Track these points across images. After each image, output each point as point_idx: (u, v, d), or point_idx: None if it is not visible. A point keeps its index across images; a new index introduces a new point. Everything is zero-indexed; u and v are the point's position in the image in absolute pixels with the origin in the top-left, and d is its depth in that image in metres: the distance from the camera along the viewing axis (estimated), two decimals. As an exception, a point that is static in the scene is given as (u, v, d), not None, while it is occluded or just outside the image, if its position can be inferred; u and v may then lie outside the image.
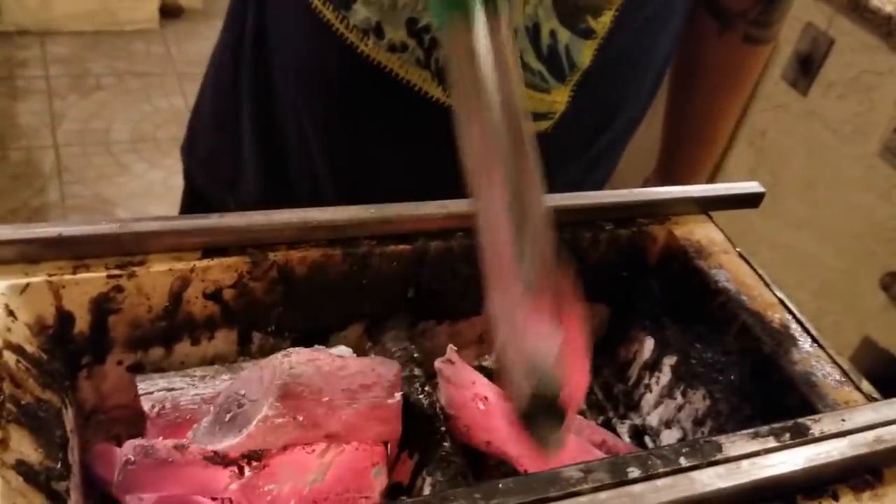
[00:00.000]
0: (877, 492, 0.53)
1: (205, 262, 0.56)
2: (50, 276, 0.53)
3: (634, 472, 0.48)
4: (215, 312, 0.58)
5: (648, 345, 0.70)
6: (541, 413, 0.52)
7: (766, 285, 0.66)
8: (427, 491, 0.54)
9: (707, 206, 0.72)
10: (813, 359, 0.61)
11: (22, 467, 0.45)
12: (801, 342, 0.62)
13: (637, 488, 0.47)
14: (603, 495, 0.46)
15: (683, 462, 0.49)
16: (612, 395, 0.72)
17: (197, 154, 0.98)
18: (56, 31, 2.94)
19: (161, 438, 0.54)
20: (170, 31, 3.11)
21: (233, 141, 0.91)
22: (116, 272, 0.54)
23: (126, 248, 0.55)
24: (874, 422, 0.54)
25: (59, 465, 0.48)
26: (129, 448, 0.50)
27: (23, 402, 0.48)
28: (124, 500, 0.53)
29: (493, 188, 0.49)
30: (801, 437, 0.52)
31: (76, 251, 0.54)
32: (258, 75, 0.85)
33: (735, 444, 0.51)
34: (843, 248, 1.75)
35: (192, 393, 0.56)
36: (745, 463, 0.50)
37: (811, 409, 0.58)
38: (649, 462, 0.49)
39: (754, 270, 0.67)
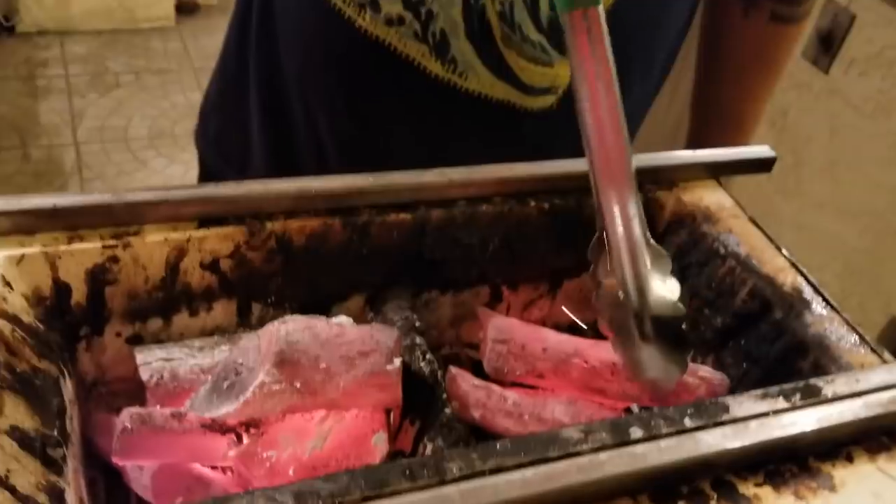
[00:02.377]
0: (893, 454, 0.51)
1: (201, 232, 0.56)
2: (45, 247, 0.53)
3: (637, 433, 0.47)
4: (213, 283, 0.57)
5: (657, 313, 0.68)
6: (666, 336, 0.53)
7: (777, 249, 0.65)
8: (429, 458, 0.53)
9: (716, 171, 0.70)
10: (826, 322, 0.59)
11: (16, 433, 0.44)
12: (813, 305, 0.60)
13: (639, 449, 0.46)
14: (603, 456, 0.45)
15: (688, 423, 0.48)
16: (623, 366, 0.70)
17: (207, 135, 0.98)
18: (75, 31, 2.97)
19: (159, 407, 0.54)
20: (186, 28, 3.13)
21: (240, 120, 0.91)
22: (111, 242, 0.54)
23: (121, 219, 0.54)
24: (889, 383, 0.53)
25: (55, 433, 0.47)
26: (126, 416, 0.50)
27: (18, 370, 0.47)
28: (124, 469, 0.53)
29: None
30: (813, 397, 0.51)
31: (71, 222, 0.54)
32: (263, 52, 0.85)
33: (743, 404, 0.50)
34: (866, 228, 1.72)
35: (191, 363, 0.56)
36: (753, 423, 0.49)
37: (824, 372, 0.56)
38: (652, 423, 0.47)
39: (765, 234, 0.66)
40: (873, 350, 0.58)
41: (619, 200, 0.55)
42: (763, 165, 0.71)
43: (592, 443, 0.46)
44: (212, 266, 0.57)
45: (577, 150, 0.84)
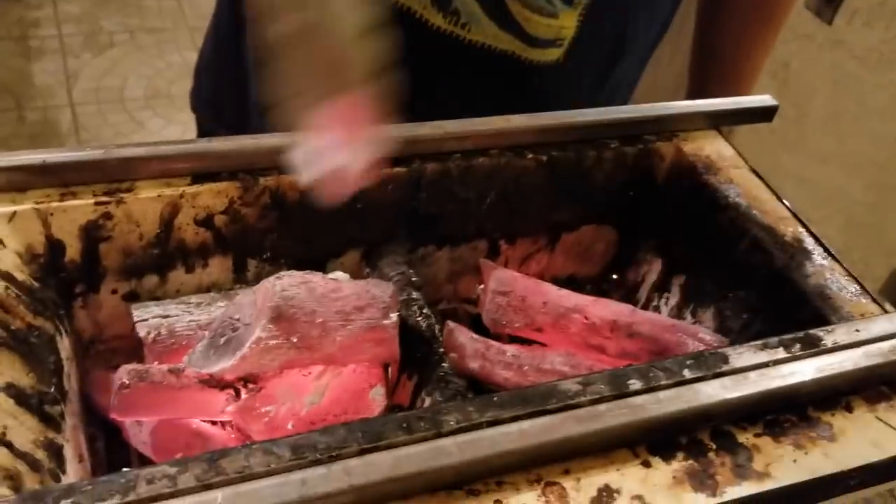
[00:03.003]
0: (892, 403, 0.51)
1: (194, 188, 0.55)
2: (37, 203, 0.52)
3: (636, 385, 0.47)
4: (208, 239, 0.57)
5: (656, 266, 0.68)
6: None
7: (779, 199, 0.64)
8: (427, 412, 0.53)
9: (717, 120, 0.69)
10: (827, 272, 0.59)
11: (12, 390, 0.44)
12: (814, 255, 0.60)
13: (638, 400, 0.46)
14: (602, 407, 0.45)
15: (687, 374, 0.48)
16: (622, 319, 0.70)
17: (202, 96, 0.97)
18: (68, -10, 2.92)
19: (159, 362, 0.54)
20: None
21: (236, 80, 0.89)
22: (104, 199, 0.53)
23: (113, 175, 0.54)
24: (890, 332, 0.52)
25: (52, 390, 0.47)
26: (123, 372, 0.50)
27: (13, 328, 0.47)
28: (123, 425, 0.53)
29: None
30: (813, 347, 0.51)
31: (63, 179, 0.53)
32: None
33: (742, 355, 0.49)
34: (870, 181, 1.71)
35: (188, 319, 0.55)
36: (752, 374, 0.48)
37: (825, 322, 0.56)
38: (651, 374, 0.47)
39: (766, 185, 0.65)
40: (874, 300, 0.58)
41: None
42: (764, 114, 0.70)
43: (591, 394, 0.46)
44: (206, 222, 0.56)
45: (583, 104, 0.83)
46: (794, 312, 0.58)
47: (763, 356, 0.49)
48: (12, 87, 2.55)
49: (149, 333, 0.54)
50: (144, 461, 0.53)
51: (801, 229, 0.62)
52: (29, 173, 0.52)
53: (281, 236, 0.58)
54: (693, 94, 0.97)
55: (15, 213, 0.51)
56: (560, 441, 0.43)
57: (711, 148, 0.67)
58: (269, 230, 0.58)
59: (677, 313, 0.66)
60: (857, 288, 0.58)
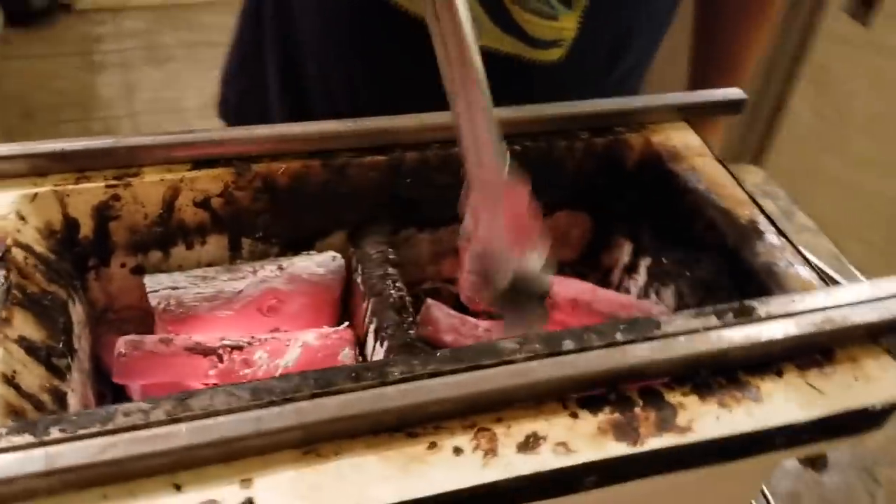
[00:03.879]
0: (824, 370, 0.54)
1: (193, 173, 0.62)
2: (56, 186, 0.59)
3: (569, 345, 0.51)
4: (205, 219, 0.63)
5: (627, 249, 0.72)
6: (521, 297, 0.56)
7: (739, 185, 0.68)
8: (393, 373, 0.58)
9: (686, 112, 0.74)
10: (777, 251, 0.62)
11: (24, 342, 0.51)
12: (766, 236, 0.63)
13: (569, 358, 0.51)
14: (534, 363, 0.50)
15: (619, 337, 0.52)
16: (597, 300, 0.75)
17: (228, 103, 1.04)
18: (129, 7, 3.08)
19: (169, 329, 0.61)
20: (237, 2, 3.20)
21: (259, 86, 0.97)
22: (114, 182, 0.60)
23: (122, 161, 0.61)
24: (825, 305, 0.56)
25: (60, 346, 0.54)
26: (121, 343, 0.57)
27: (28, 291, 0.54)
28: (127, 387, 0.60)
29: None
30: (745, 316, 0.55)
31: (78, 164, 0.60)
32: (278, 15, 0.90)
33: (675, 322, 0.54)
34: (911, 184, 1.70)
35: (195, 291, 0.62)
36: (682, 338, 0.53)
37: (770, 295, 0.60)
38: (584, 336, 0.52)
39: (728, 171, 0.69)
40: (821, 277, 0.61)
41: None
42: (732, 107, 0.74)
43: (526, 352, 0.51)
44: (203, 204, 0.63)
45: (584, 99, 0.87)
46: (743, 289, 0.62)
47: (695, 323, 0.54)
48: (77, 99, 2.70)
49: (160, 303, 0.61)
50: (146, 415, 0.60)
51: (757, 212, 0.66)
52: (49, 159, 0.60)
53: (272, 218, 0.65)
54: (694, 82, 1.01)
55: (36, 194, 0.59)
56: (493, 391, 0.49)
57: (679, 139, 0.72)
58: (261, 212, 0.64)
59: (644, 293, 0.70)
60: (807, 268, 0.62)
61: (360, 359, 0.61)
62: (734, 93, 0.74)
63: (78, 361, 0.57)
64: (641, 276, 0.71)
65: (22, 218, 0.58)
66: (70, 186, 0.59)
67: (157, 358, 0.57)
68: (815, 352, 0.55)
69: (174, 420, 0.45)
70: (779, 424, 0.51)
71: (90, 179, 0.60)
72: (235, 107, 1.04)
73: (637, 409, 0.51)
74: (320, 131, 0.64)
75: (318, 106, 0.91)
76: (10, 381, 0.49)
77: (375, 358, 0.62)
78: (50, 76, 2.75)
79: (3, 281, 0.52)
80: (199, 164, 0.62)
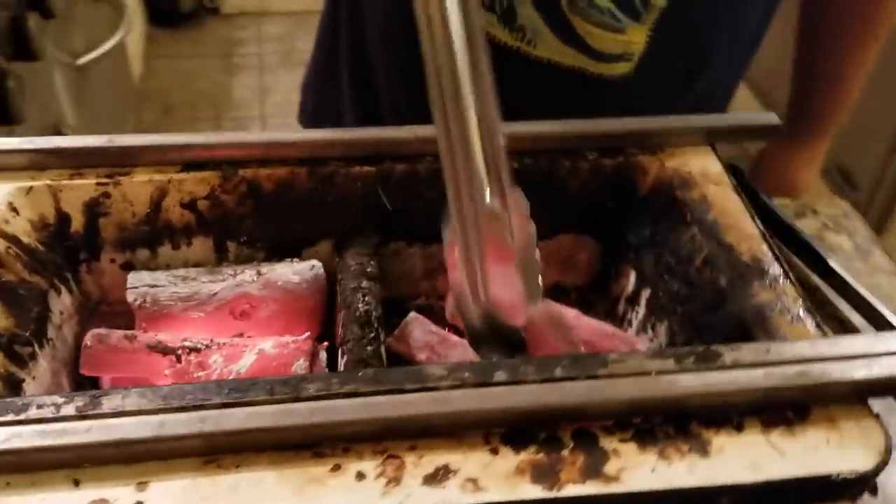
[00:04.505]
0: (792, 429, 0.49)
1: (181, 175, 0.63)
2: (51, 181, 0.62)
3: (501, 377, 0.49)
4: (191, 221, 0.65)
5: (632, 278, 0.68)
6: (492, 341, 0.55)
7: (753, 218, 0.63)
8: (344, 389, 0.57)
9: (713, 136, 0.69)
10: (773, 294, 0.57)
11: (-15, 329, 0.54)
12: (767, 276, 0.58)
13: (497, 390, 0.48)
14: (458, 392, 0.48)
15: (559, 373, 0.49)
16: (602, 331, 0.71)
17: (306, 109, 1.07)
18: (271, 12, 3.21)
19: (144, 325, 0.62)
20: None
21: (334, 94, 0.98)
22: (105, 180, 0.63)
23: (115, 160, 0.63)
24: (805, 356, 0.50)
25: (27, 334, 0.57)
26: (88, 336, 0.59)
27: (2, 280, 0.57)
28: (100, 378, 0.62)
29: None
30: (708, 362, 0.50)
31: (74, 161, 0.63)
32: (351, 26, 0.91)
33: (626, 362, 0.50)
34: None
35: (171, 291, 0.63)
36: (628, 380, 0.49)
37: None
38: (521, 368, 0.49)
39: (745, 204, 0.64)
40: (819, 326, 0.55)
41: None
42: (765, 132, 0.69)
43: (453, 380, 0.48)
44: (190, 205, 0.64)
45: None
46: (730, 332, 0.57)
47: (649, 365, 0.50)
48: (213, 99, 2.84)
49: (136, 300, 0.63)
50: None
51: (765, 249, 0.60)
52: (47, 155, 0.63)
53: (257, 222, 0.65)
54: (793, 101, 0.94)
55: (31, 187, 0.62)
56: (408, 417, 0.47)
57: (697, 164, 0.67)
58: (246, 216, 0.65)
59: (643, 327, 0.66)
60: (803, 312, 0.56)
61: (325, 369, 0.60)
62: (767, 118, 0.69)
63: (51, 350, 0.60)
64: (642, 309, 0.66)
65: (14, 210, 0.61)
66: (64, 182, 0.62)
67: (120, 353, 0.58)
68: (785, 408, 0.50)
69: (83, 417, 0.46)
70: (720, 484, 0.46)
71: (84, 176, 0.63)
72: (311, 113, 1.06)
73: (564, 452, 0.47)
74: (310, 139, 0.64)
75: (387, 115, 0.91)
76: (-41, 365, 0.51)
77: (340, 368, 0.61)
78: (191, 76, 2.91)
79: (-25, 268, 0.55)
80: (189, 166, 0.64)
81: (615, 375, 0.49)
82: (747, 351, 0.51)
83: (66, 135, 1.39)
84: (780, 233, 0.73)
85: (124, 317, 0.67)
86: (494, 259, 0.54)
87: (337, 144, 0.64)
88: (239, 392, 0.47)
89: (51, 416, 0.46)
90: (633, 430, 0.48)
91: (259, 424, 0.46)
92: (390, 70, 0.88)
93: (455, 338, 0.64)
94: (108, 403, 0.46)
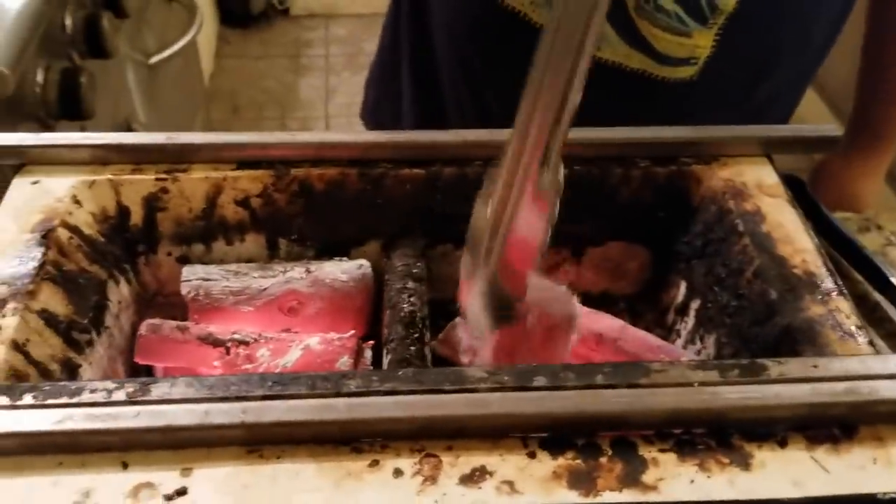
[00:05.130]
0: (838, 447, 0.48)
1: (236, 173, 0.65)
2: (112, 175, 0.64)
3: (540, 381, 0.49)
4: (245, 217, 0.66)
5: (682, 288, 0.67)
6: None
7: (808, 232, 0.61)
8: (387, 387, 0.58)
9: (770, 147, 0.68)
10: (827, 308, 0.56)
11: (45, 314, 0.56)
12: (820, 290, 0.57)
13: (536, 395, 0.48)
14: (497, 395, 0.48)
15: (600, 380, 0.49)
16: (650, 341, 0.70)
17: (368, 106, 1.08)
18: (339, 14, 3.26)
19: (196, 317, 0.64)
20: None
21: (394, 91, 1.00)
22: (163, 176, 0.64)
23: (173, 157, 0.65)
24: (854, 373, 0.49)
25: (85, 322, 0.59)
26: (143, 325, 0.61)
27: (65, 268, 0.59)
28: (154, 367, 0.64)
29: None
30: (753, 376, 0.49)
31: (135, 157, 0.65)
32: (413, 24, 0.92)
33: (668, 371, 0.49)
34: None
35: (223, 285, 0.65)
36: (670, 390, 0.48)
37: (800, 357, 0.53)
38: (561, 374, 0.49)
39: (801, 218, 0.62)
40: (871, 343, 0.54)
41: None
42: (823, 144, 0.67)
43: (492, 383, 0.49)
44: (244, 203, 0.66)
45: (723, 122, 0.82)
46: (779, 346, 0.56)
47: (692, 376, 0.49)
48: (280, 99, 2.89)
49: (189, 293, 0.65)
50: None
51: (819, 263, 0.59)
52: (109, 150, 0.65)
53: (307, 221, 0.66)
54: (857, 108, 0.92)
55: (94, 181, 0.64)
56: (445, 418, 0.47)
57: (752, 175, 0.66)
58: (297, 215, 0.66)
59: (691, 338, 0.65)
60: (855, 328, 0.55)
61: (370, 367, 0.61)
62: (827, 129, 0.67)
63: (108, 338, 0.62)
64: (691, 319, 0.66)
65: (77, 202, 0.63)
66: (125, 177, 0.64)
67: (172, 343, 0.60)
68: (832, 424, 0.49)
69: (132, 402, 0.47)
70: (761, 499, 0.45)
71: (143, 172, 0.65)
72: (372, 111, 1.07)
73: (603, 459, 0.47)
74: (360, 141, 0.65)
75: (451, 113, 0.92)
76: (20, 348, 0.53)
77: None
78: (259, 75, 2.97)
79: (39, 258, 0.57)
80: (243, 164, 0.65)
81: (657, 385, 0.49)
82: (794, 365, 0.50)
83: (135, 131, 1.44)
84: (841, 247, 0.72)
85: (180, 308, 0.69)
86: (521, 236, 0.53)
87: (387, 146, 0.65)
88: (281, 385, 0.48)
89: (102, 400, 0.47)
90: (673, 441, 0.48)
91: (299, 417, 0.47)
92: (454, 68, 0.89)
93: (499, 342, 0.65)
94: (157, 391, 0.48)
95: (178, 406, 0.47)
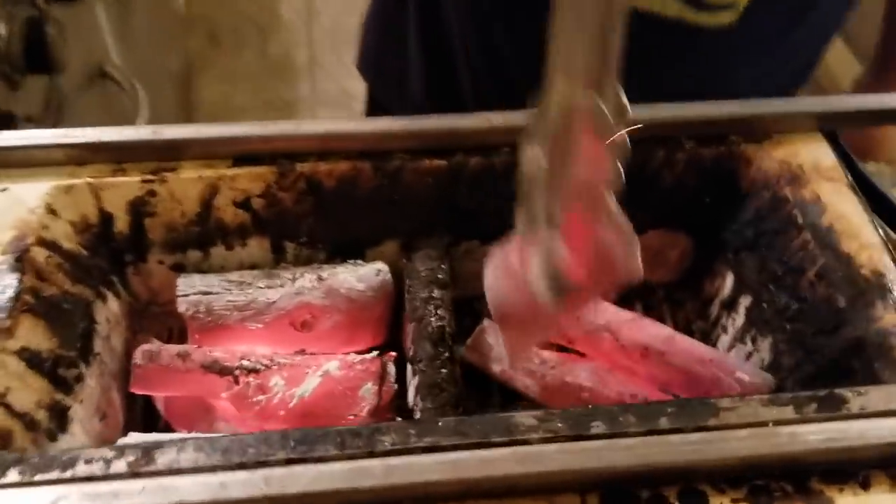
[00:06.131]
0: (930, 485, 0.43)
1: (233, 171, 0.57)
2: (91, 178, 0.57)
3: (599, 427, 0.43)
4: (246, 220, 0.59)
5: (729, 281, 0.62)
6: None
7: (873, 222, 0.55)
8: (417, 416, 0.52)
9: (826, 122, 0.61)
10: (902, 317, 0.50)
11: (25, 353, 0.50)
12: (892, 295, 0.51)
13: (595, 444, 0.43)
14: (552, 447, 0.42)
15: (665, 423, 0.43)
16: (691, 333, 0.64)
17: (366, 56, 0.99)
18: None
19: (197, 337, 0.58)
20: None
21: (398, 42, 0.91)
22: (150, 177, 0.57)
23: (160, 154, 0.57)
24: (945, 402, 0.44)
25: (72, 354, 0.52)
26: (138, 353, 0.54)
27: (44, 295, 0.52)
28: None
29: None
30: (832, 410, 0.44)
31: (116, 156, 0.57)
32: None
33: (739, 409, 0.44)
34: None
35: (226, 299, 0.58)
36: (743, 433, 0.43)
37: (876, 377, 0.48)
38: (621, 418, 0.44)
39: (863, 204, 0.56)
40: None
41: None
42: (887, 117, 0.60)
43: (544, 432, 0.43)
44: (244, 204, 0.58)
45: (762, 68, 0.75)
46: (848, 361, 0.50)
47: (765, 413, 0.44)
48: (260, 22, 2.74)
49: (188, 310, 0.58)
50: (171, 421, 0.57)
51: (887, 260, 0.53)
52: (87, 150, 0.57)
53: (318, 222, 0.60)
54: (884, 45, 0.85)
55: (71, 186, 0.57)
56: (497, 478, 0.42)
57: (808, 155, 0.59)
58: (306, 215, 0.59)
59: (740, 336, 0.60)
60: (940, 342, 0.49)
61: (395, 387, 0.55)
62: (892, 100, 0.60)
63: (99, 366, 0.55)
64: (740, 317, 0.60)
65: (53, 212, 0.55)
66: (106, 179, 0.57)
67: (171, 372, 0.54)
68: (919, 461, 0.44)
69: (135, 474, 0.41)
70: (851, 558, 0.41)
71: (127, 172, 0.57)
72: (373, 60, 0.98)
73: (671, 516, 0.42)
74: (373, 130, 0.58)
75: (460, 67, 0.83)
76: (0, 400, 0.47)
77: (411, 388, 0.56)
78: (236, -2, 2.81)
79: (14, 286, 0.51)
80: (240, 160, 0.58)
81: (727, 426, 0.43)
82: (876, 395, 0.45)
83: (110, 75, 1.34)
84: (875, 204, 0.65)
85: (176, 316, 0.62)
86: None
87: (403, 135, 0.58)
88: (306, 445, 0.42)
89: (100, 473, 0.41)
90: (746, 488, 0.43)
91: (329, 487, 0.41)
92: (467, 21, 0.81)
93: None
94: (163, 459, 0.42)
95: (189, 477, 0.41)
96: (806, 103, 0.61)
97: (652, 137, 0.60)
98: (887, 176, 0.83)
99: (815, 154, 0.59)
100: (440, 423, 0.43)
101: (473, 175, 0.59)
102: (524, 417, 0.44)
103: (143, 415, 0.59)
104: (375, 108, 0.99)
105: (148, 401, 0.59)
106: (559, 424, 0.43)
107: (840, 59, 1.60)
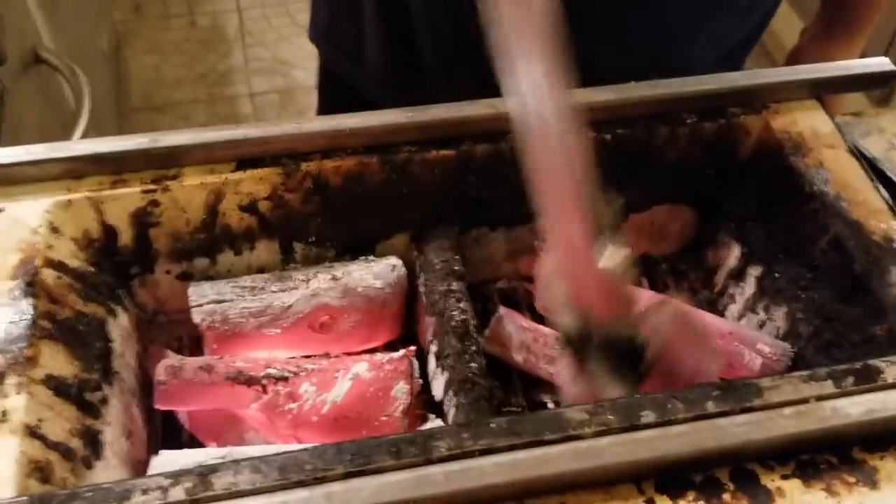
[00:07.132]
0: (962, 448, 0.45)
1: (237, 175, 0.56)
2: (91, 191, 0.55)
3: (648, 417, 0.44)
4: (253, 224, 0.58)
5: (735, 252, 0.63)
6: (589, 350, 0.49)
7: (876, 188, 0.57)
8: (452, 412, 0.53)
9: (819, 88, 0.62)
10: (917, 281, 0.52)
11: (52, 382, 0.48)
12: (904, 260, 0.53)
13: (648, 434, 0.43)
14: (605, 441, 0.43)
15: (711, 407, 0.44)
16: (697, 303, 0.66)
17: (318, 25, 0.96)
18: None
19: (215, 347, 0.56)
20: None
21: (352, 9, 0.88)
22: (151, 187, 0.55)
23: (159, 163, 0.55)
24: (971, 362, 0.46)
25: (95, 376, 0.51)
26: (160, 369, 0.53)
27: (59, 318, 0.50)
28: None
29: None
30: (868, 382, 0.46)
31: (114, 167, 0.55)
32: None
33: (780, 388, 0.45)
34: None
35: (240, 306, 0.57)
36: (787, 411, 0.44)
37: (897, 343, 0.50)
38: (668, 406, 0.44)
39: (865, 169, 0.58)
40: (972, 319, 0.51)
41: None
42: (877, 81, 0.62)
43: (596, 425, 0.43)
44: (250, 208, 0.57)
45: (720, 23, 0.73)
46: (868, 326, 0.52)
47: (805, 390, 0.45)
48: (186, -11, 2.65)
49: (203, 321, 0.56)
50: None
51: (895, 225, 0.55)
52: (83, 162, 0.55)
53: (326, 220, 0.58)
54: (816, 27, 0.86)
55: (70, 201, 0.54)
56: (555, 476, 0.42)
57: (806, 122, 0.60)
58: (314, 215, 0.58)
59: (751, 306, 0.61)
60: (954, 304, 0.51)
61: (420, 381, 0.55)
62: (879, 63, 0.61)
63: (119, 383, 0.54)
64: (749, 287, 0.61)
65: (55, 230, 0.53)
66: (106, 192, 0.55)
67: (197, 386, 0.52)
68: (952, 423, 0.46)
69: (194, 501, 0.41)
70: (899, 522, 0.43)
71: (127, 183, 0.55)
72: (327, 31, 0.95)
73: (726, 496, 0.43)
74: (378, 124, 0.57)
75: (420, 35, 0.81)
76: (35, 433, 0.45)
77: (436, 383, 0.56)
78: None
79: (30, 312, 0.48)
80: (243, 163, 0.56)
81: (771, 406, 0.44)
82: (908, 362, 0.46)
83: (46, 60, 1.28)
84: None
85: (185, 325, 0.61)
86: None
87: (408, 127, 0.57)
88: (362, 457, 0.42)
89: (158, 502, 0.40)
90: (793, 464, 0.44)
91: (391, 498, 0.41)
92: None
93: (546, 329, 0.59)
94: (220, 483, 0.41)
95: (250, 500, 0.41)
96: (799, 72, 0.62)
97: (653, 115, 0.60)
98: (853, 127, 0.85)
99: (813, 122, 0.61)
100: (492, 424, 0.43)
101: (482, 163, 0.58)
102: (575, 412, 0.44)
103: (164, 428, 0.58)
104: (330, 80, 0.96)
105: (167, 413, 0.57)
106: (610, 417, 0.44)
107: (785, 18, 1.62)
